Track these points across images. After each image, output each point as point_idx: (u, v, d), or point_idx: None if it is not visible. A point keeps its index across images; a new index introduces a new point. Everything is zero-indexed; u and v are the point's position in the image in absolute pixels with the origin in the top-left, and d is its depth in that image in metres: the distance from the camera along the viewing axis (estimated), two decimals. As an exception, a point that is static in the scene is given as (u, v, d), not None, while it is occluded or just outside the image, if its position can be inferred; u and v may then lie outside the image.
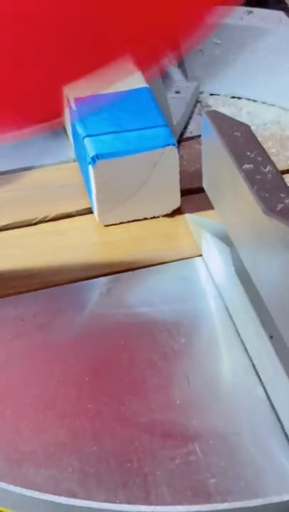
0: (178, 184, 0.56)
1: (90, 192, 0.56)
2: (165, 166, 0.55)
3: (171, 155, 0.55)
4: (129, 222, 0.56)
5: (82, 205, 0.58)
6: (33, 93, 0.44)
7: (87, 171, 0.55)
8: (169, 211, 0.57)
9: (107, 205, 0.55)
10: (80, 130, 0.55)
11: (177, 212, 0.57)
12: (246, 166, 0.44)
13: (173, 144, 0.54)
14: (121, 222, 0.56)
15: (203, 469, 0.41)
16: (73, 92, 0.57)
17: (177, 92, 0.67)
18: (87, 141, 0.54)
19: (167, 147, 0.54)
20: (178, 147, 0.61)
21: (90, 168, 0.54)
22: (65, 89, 0.58)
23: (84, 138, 0.55)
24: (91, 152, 0.53)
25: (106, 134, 0.55)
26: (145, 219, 0.56)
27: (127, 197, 0.55)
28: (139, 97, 0.57)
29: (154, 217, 0.56)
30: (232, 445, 0.42)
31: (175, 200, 0.57)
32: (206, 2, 0.41)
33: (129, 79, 0.58)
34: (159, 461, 0.42)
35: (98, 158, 0.53)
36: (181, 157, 0.61)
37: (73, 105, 0.56)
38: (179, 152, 0.61)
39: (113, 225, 0.56)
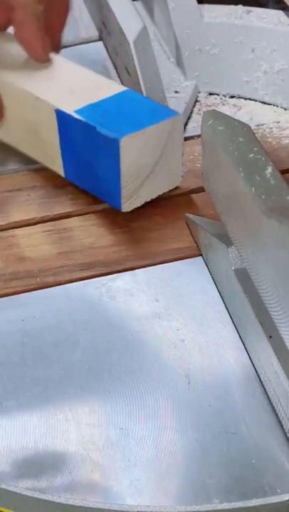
0: (182, 157, 0.56)
1: (99, 187, 0.55)
2: (174, 137, 0.55)
3: (178, 125, 0.55)
4: (128, 221, 0.56)
5: (82, 205, 0.58)
6: None
7: (97, 165, 0.54)
8: (173, 186, 0.57)
9: (131, 190, 0.54)
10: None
11: (177, 212, 0.57)
12: (246, 165, 0.44)
13: (178, 114, 0.54)
14: (123, 220, 0.56)
15: (202, 469, 0.41)
16: (65, 105, 0.55)
17: (176, 92, 0.67)
18: (100, 130, 0.53)
19: (174, 116, 0.54)
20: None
21: (117, 148, 0.51)
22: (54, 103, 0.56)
23: (95, 128, 0.53)
24: (112, 135, 0.52)
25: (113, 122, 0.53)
26: (145, 218, 0.56)
27: (145, 176, 0.55)
28: (128, 99, 0.56)
29: (153, 218, 0.56)
30: (231, 445, 0.42)
31: (178, 175, 0.57)
32: None
33: (107, 87, 0.57)
34: (159, 461, 0.42)
35: (122, 136, 0.52)
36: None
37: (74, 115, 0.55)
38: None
39: (112, 225, 0.56)
